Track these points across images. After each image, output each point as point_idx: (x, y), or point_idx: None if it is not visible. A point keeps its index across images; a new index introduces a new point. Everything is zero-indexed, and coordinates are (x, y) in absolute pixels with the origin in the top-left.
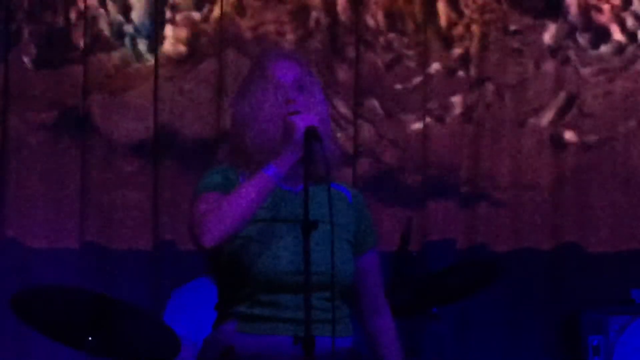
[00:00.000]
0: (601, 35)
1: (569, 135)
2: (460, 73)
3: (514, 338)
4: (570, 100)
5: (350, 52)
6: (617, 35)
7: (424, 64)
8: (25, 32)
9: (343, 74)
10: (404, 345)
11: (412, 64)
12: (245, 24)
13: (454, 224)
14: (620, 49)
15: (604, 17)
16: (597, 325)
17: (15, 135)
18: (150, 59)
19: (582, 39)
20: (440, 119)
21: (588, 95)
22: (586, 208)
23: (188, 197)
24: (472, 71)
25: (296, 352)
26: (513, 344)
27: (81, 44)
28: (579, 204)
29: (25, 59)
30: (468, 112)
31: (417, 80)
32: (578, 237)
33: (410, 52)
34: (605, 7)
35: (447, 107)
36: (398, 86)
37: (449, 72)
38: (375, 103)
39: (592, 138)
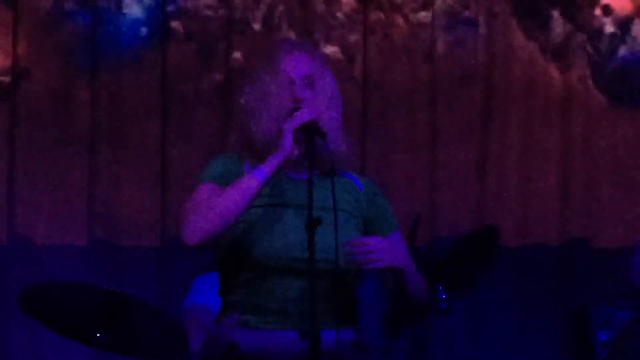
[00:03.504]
0: None
1: None
2: None
3: (523, 333)
4: None
5: None
6: None
7: None
8: None
9: None
10: (413, 342)
11: None
12: None
13: (464, 219)
14: None
15: None
16: (606, 320)
17: (22, 133)
18: None
19: None
20: None
21: None
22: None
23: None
24: None
25: (301, 347)
26: (522, 339)
27: None
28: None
29: None
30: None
31: None
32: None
33: None
34: None
35: None
36: None
37: None
38: None
39: None
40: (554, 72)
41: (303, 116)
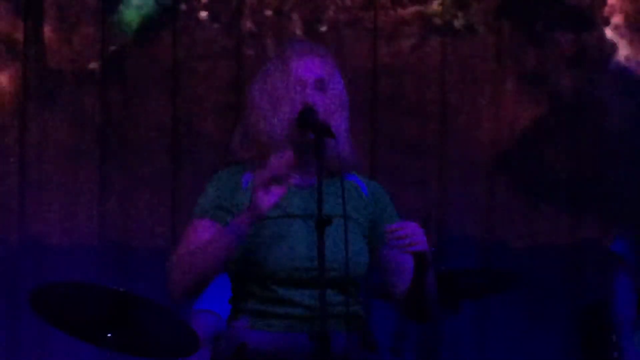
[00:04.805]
0: None
1: None
2: None
3: (534, 335)
4: None
5: None
6: None
7: None
8: None
9: None
10: (420, 343)
11: None
12: None
13: (474, 220)
14: None
15: None
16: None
17: (35, 134)
18: None
19: None
20: None
21: None
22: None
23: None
24: None
25: (311, 349)
26: (532, 340)
27: None
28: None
29: None
30: None
31: None
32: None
33: None
34: None
35: None
36: None
37: None
38: None
39: None
40: (563, 79)
41: (271, 170)
